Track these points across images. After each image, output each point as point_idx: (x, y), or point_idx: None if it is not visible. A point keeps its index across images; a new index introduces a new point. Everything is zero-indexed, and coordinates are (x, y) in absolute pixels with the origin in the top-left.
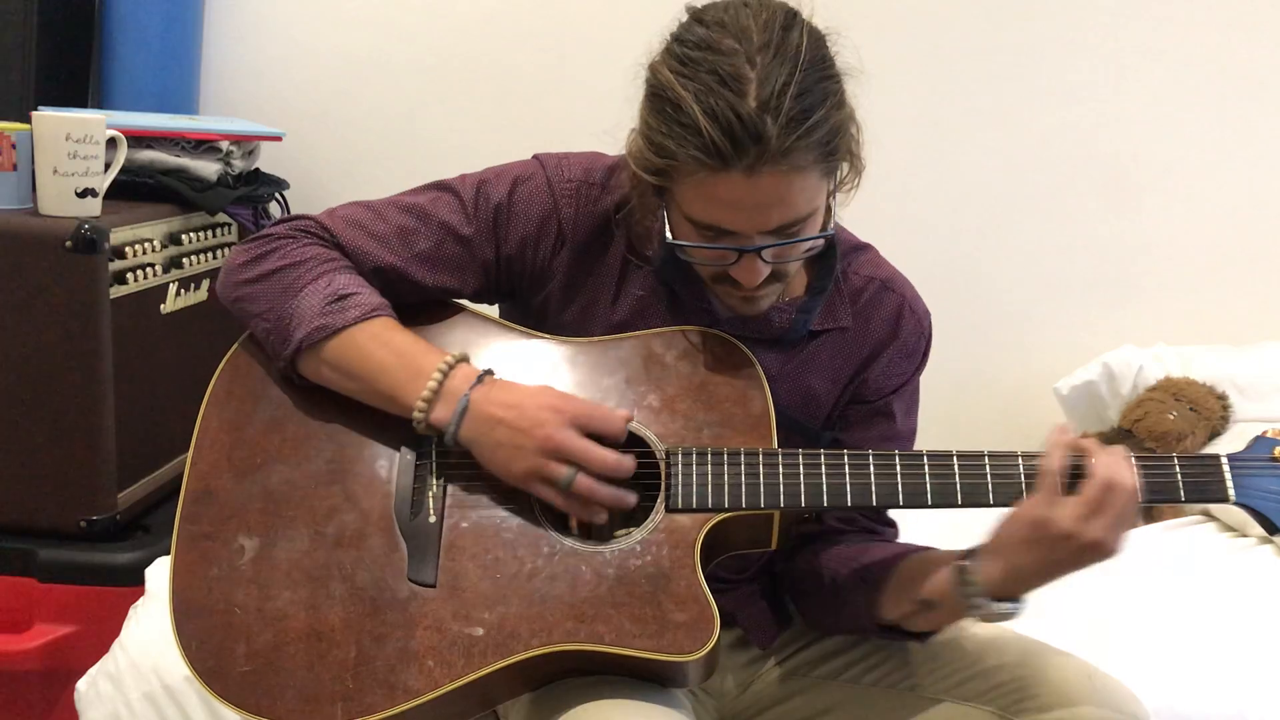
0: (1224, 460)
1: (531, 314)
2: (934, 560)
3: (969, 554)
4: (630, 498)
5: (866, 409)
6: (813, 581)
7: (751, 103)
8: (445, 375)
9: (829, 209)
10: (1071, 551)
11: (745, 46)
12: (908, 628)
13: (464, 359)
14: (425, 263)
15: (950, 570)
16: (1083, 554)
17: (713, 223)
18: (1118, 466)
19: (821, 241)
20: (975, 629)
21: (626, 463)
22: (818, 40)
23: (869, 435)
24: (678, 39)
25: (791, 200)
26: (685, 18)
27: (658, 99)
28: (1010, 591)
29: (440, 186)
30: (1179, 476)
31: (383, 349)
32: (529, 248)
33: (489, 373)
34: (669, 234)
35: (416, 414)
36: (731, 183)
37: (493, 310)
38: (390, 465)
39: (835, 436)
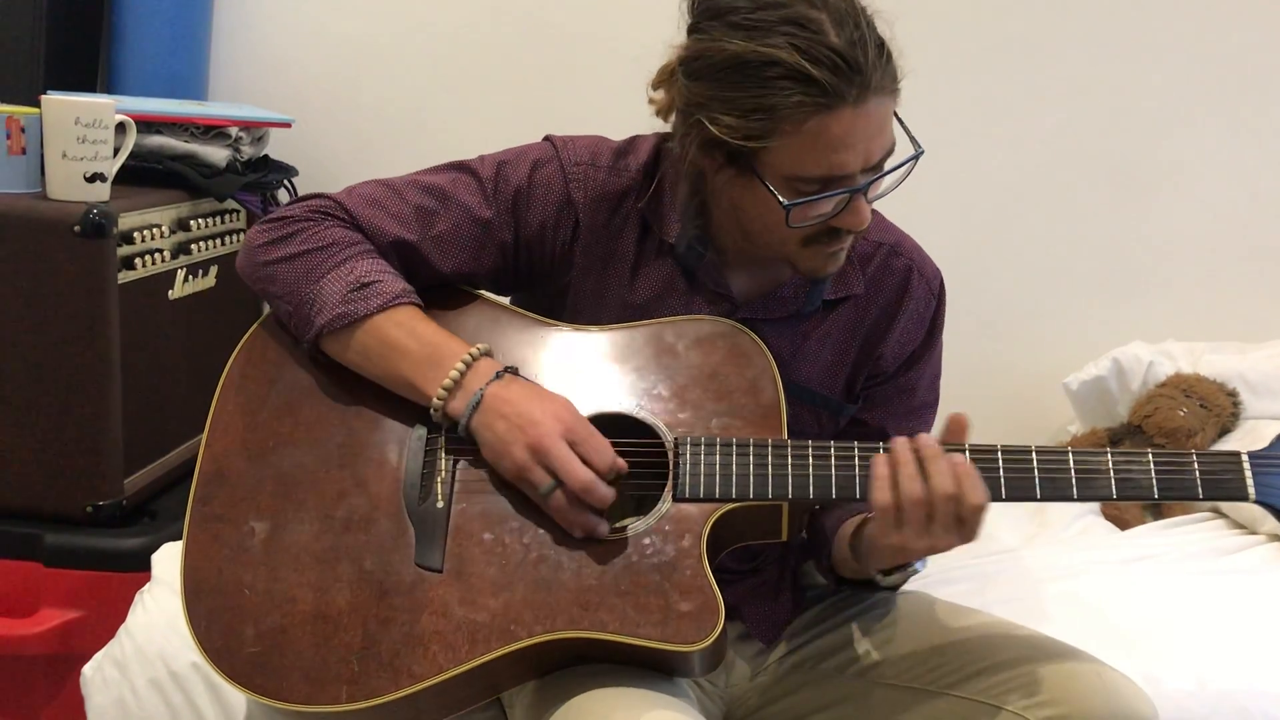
0: (1244, 457)
1: (549, 301)
2: (845, 540)
3: (855, 535)
4: (602, 528)
5: (889, 387)
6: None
7: (836, 39)
8: (468, 367)
9: None
10: (930, 518)
11: None
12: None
13: (488, 353)
14: (442, 245)
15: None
16: (939, 514)
17: (822, 172)
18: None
19: (912, 165)
20: (982, 623)
21: (601, 489)
22: None
23: (891, 414)
24: (721, 14)
25: (887, 127)
26: (707, 3)
27: (735, 70)
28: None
29: (459, 167)
30: (1197, 473)
31: (406, 338)
32: (548, 231)
33: (512, 370)
34: (779, 198)
35: (435, 402)
36: (843, 118)
37: (507, 299)
38: (400, 450)
39: (858, 417)
